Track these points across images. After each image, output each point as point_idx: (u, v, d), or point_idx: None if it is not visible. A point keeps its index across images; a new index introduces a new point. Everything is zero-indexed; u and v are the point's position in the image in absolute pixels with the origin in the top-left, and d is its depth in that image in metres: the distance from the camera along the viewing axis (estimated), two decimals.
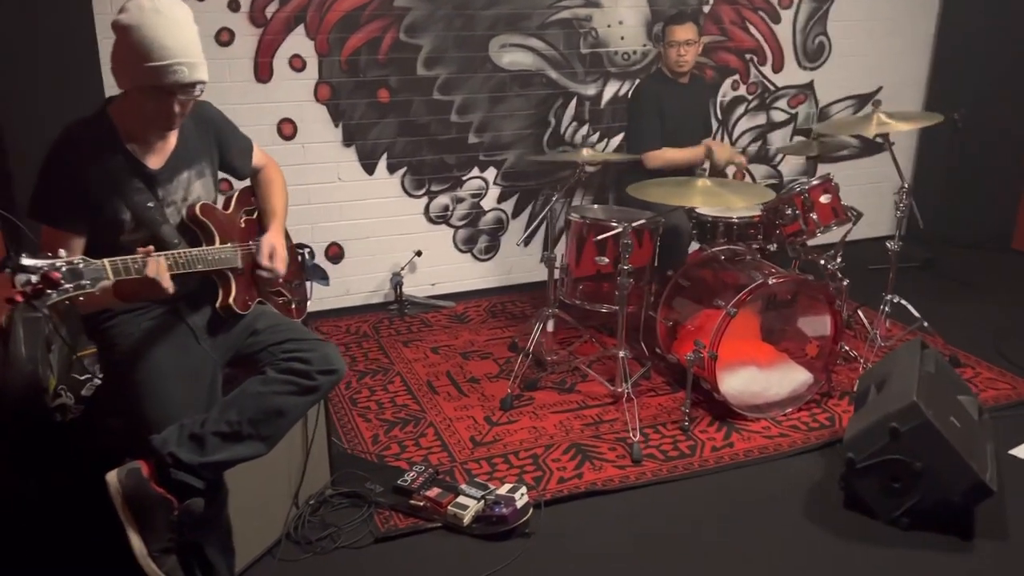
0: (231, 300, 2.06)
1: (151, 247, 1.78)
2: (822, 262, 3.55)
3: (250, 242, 2.21)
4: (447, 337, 4.02)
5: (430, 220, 4.41)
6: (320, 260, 4.23)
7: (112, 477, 1.82)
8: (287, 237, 2.46)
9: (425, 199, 4.37)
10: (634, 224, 3.15)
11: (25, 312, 2.46)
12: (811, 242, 3.58)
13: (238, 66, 3.85)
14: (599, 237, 3.21)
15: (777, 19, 4.80)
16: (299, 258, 2.53)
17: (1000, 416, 3.18)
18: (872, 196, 5.12)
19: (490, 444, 3.07)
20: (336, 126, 4.10)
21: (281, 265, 2.23)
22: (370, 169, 4.23)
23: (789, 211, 3.41)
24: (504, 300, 4.46)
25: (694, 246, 3.84)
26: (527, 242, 4.58)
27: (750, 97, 4.88)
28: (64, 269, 1.60)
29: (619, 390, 3.25)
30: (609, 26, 4.44)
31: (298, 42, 3.93)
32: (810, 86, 5.00)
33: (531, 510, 2.62)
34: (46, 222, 1.90)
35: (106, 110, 1.96)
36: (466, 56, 4.22)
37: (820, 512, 2.69)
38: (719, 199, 3.07)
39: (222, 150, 2.20)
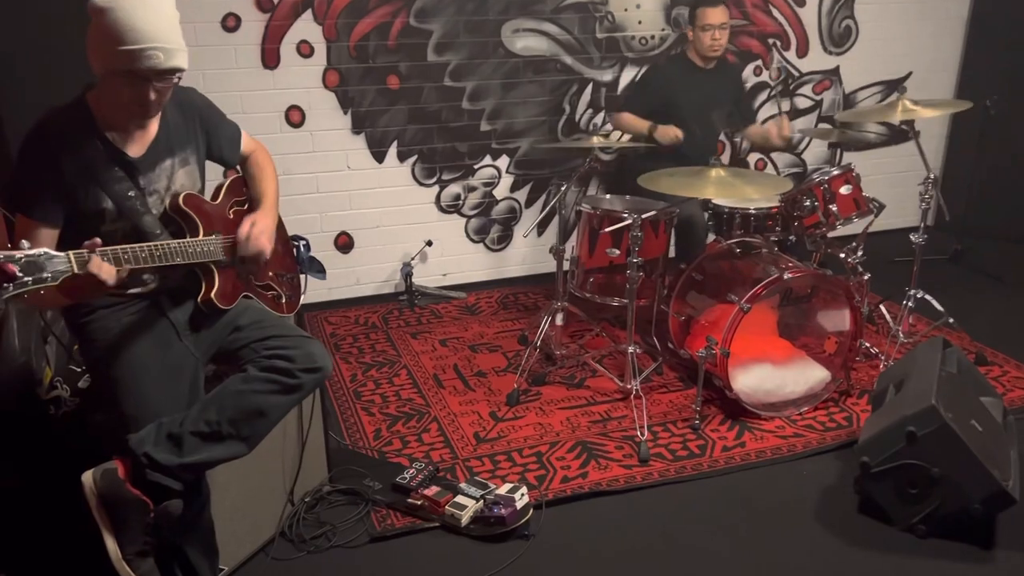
0: (213, 294, 2.00)
1: (97, 240, 1.69)
2: (842, 255, 3.42)
3: (236, 232, 2.13)
4: (456, 329, 3.94)
5: (441, 209, 4.34)
6: (330, 249, 4.19)
7: (87, 477, 1.77)
8: (282, 227, 2.39)
9: (436, 188, 4.30)
10: (645, 215, 3.04)
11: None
12: (832, 234, 3.45)
13: (245, 52, 3.79)
14: (609, 229, 3.11)
15: (802, 2, 4.64)
16: (294, 250, 2.45)
17: None
18: (898, 186, 4.95)
19: (494, 441, 2.99)
20: (345, 113, 4.03)
21: (262, 245, 2.13)
22: (380, 157, 4.15)
23: (808, 202, 3.28)
24: (516, 291, 4.37)
25: (710, 238, 3.72)
26: (539, 232, 4.49)
27: (773, 83, 4.72)
28: (23, 262, 1.54)
29: (628, 387, 3.15)
30: (626, 10, 4.32)
31: (306, 27, 3.86)
32: (836, 71, 4.83)
33: (531, 511, 2.54)
34: (21, 212, 1.84)
35: (84, 97, 1.90)
36: (478, 41, 4.12)
37: (833, 517, 2.58)
38: (734, 190, 2.96)
39: (209, 138, 2.13)
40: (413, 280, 4.25)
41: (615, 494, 2.70)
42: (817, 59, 4.77)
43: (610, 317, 3.89)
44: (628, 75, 4.43)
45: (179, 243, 1.90)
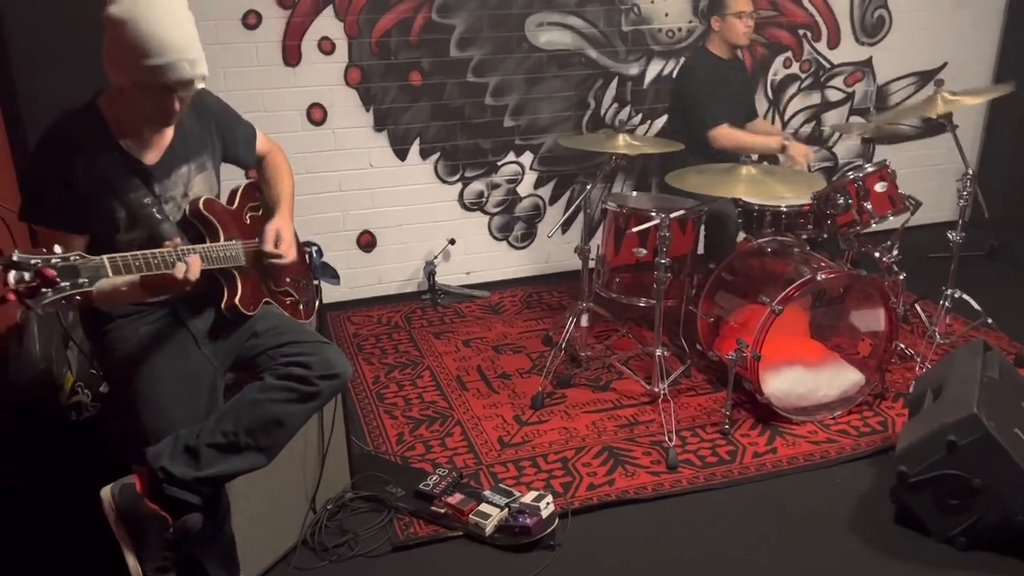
0: (237, 300, 1.95)
1: (177, 239, 1.68)
2: (877, 254, 3.32)
3: (256, 239, 2.09)
4: (480, 329, 3.89)
5: (464, 207, 4.28)
6: (352, 248, 4.15)
7: (106, 493, 1.74)
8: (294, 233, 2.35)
9: (459, 185, 4.24)
10: (673, 215, 2.96)
11: None
12: (866, 232, 3.34)
13: (265, 49, 3.74)
14: (636, 229, 3.03)
15: None
16: (306, 256, 2.41)
17: None
18: (934, 179, 4.81)
19: (518, 446, 2.94)
20: (367, 110, 3.98)
21: (289, 250, 2.11)
22: (402, 155, 4.10)
23: (841, 200, 3.18)
24: (540, 290, 4.31)
25: (741, 236, 3.63)
26: (564, 229, 4.41)
27: (803, 75, 4.61)
28: (59, 266, 1.50)
29: (655, 390, 3.08)
30: (652, 2, 4.22)
31: (327, 24, 3.81)
32: (868, 63, 4.70)
33: (556, 520, 2.49)
34: (40, 225, 1.81)
35: (95, 103, 1.85)
36: (501, 36, 4.05)
37: (868, 527, 2.50)
38: (765, 188, 2.87)
39: (225, 141, 2.09)
40: (436, 279, 4.20)
41: (643, 502, 2.63)
42: (849, 50, 4.64)
43: (637, 317, 3.82)
44: (655, 69, 4.34)
45: (201, 247, 1.86)
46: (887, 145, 4.79)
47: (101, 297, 1.70)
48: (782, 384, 3.03)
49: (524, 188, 4.35)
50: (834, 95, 4.71)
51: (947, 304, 3.39)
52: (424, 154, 4.13)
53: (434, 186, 4.20)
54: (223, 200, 2.11)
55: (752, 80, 4.01)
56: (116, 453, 1.95)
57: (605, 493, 2.67)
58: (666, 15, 4.28)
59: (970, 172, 3.23)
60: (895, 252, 3.31)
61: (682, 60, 4.19)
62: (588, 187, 3.34)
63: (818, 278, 2.93)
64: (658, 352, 3.06)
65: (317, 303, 2.50)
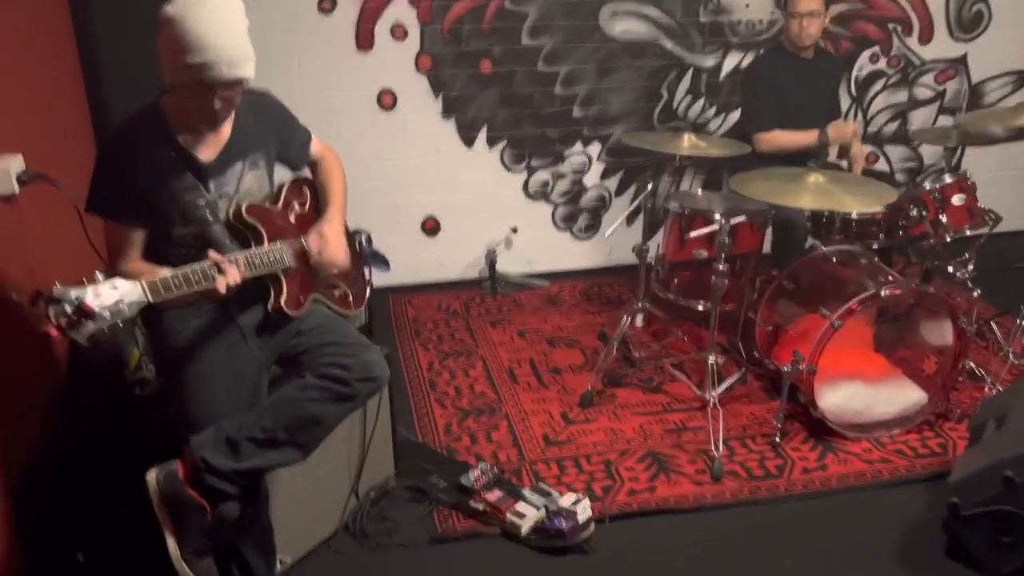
0: (283, 302, 2.01)
1: (213, 252, 1.75)
2: (950, 268, 3.18)
3: (302, 237, 2.14)
4: (536, 320, 3.90)
5: (529, 196, 4.27)
6: (416, 233, 4.20)
7: (151, 477, 1.83)
8: (344, 226, 2.38)
9: (524, 174, 4.23)
10: (733, 221, 2.90)
11: None
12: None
13: (339, 35, 3.80)
14: (695, 234, 2.98)
15: None
16: (357, 246, 2.44)
17: None
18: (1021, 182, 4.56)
19: (563, 444, 2.95)
20: (436, 97, 4.01)
21: (335, 256, 2.16)
22: (469, 142, 4.12)
23: (915, 212, 3.05)
24: (601, 283, 4.28)
25: (809, 241, 3.53)
26: (629, 222, 4.34)
27: (891, 71, 4.41)
28: (100, 296, 1.56)
29: (706, 397, 3.04)
30: None
31: (400, 10, 3.83)
32: (963, 60, 4.47)
33: (592, 525, 2.49)
34: (104, 215, 1.91)
35: (158, 102, 1.93)
36: (574, 24, 4.00)
37: (916, 557, 2.43)
38: (832, 199, 2.80)
39: (281, 144, 2.14)
40: (497, 267, 4.22)
41: (682, 513, 2.62)
42: (942, 46, 4.41)
43: (696, 317, 3.75)
44: (731, 61, 4.22)
45: (244, 255, 1.91)
46: (977, 147, 4.55)
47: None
48: (838, 399, 2.95)
49: (590, 179, 4.31)
50: (923, 93, 4.50)
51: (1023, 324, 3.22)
52: (491, 142, 4.14)
53: (499, 174, 4.20)
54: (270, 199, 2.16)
55: (836, 72, 3.85)
56: (174, 429, 2.04)
57: (645, 500, 2.66)
58: (747, 6, 4.14)
59: None
60: (970, 267, 3.16)
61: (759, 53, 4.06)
62: (649, 187, 3.29)
63: (882, 293, 2.83)
64: (711, 360, 3.01)
65: (368, 291, 2.53)
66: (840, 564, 2.41)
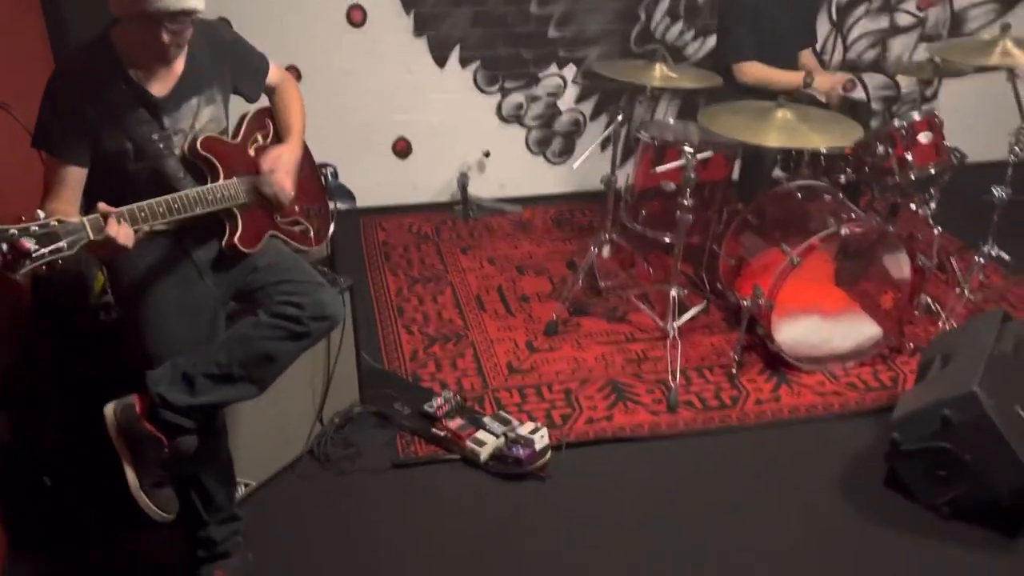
0: (236, 239, 2.01)
1: (105, 206, 1.69)
2: (913, 206, 3.20)
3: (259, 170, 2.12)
4: (506, 246, 3.92)
5: (502, 119, 4.22)
6: (387, 154, 4.16)
7: (109, 410, 1.86)
8: (309, 157, 2.36)
9: (498, 96, 4.18)
10: (700, 156, 2.89)
11: None
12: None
13: None
14: (662, 168, 2.98)
15: None
16: (321, 179, 2.43)
17: None
18: (998, 112, 4.52)
19: (526, 373, 3.02)
20: (408, 14, 3.90)
21: (285, 180, 2.12)
22: (441, 62, 4.04)
23: (881, 149, 3.06)
24: (573, 207, 4.29)
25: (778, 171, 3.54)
26: (603, 147, 4.32)
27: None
28: (38, 234, 1.54)
29: (667, 329, 3.10)
30: None
31: None
32: None
33: (549, 453, 2.58)
34: (47, 150, 1.87)
35: (108, 33, 1.87)
36: None
37: (857, 486, 2.54)
38: (798, 136, 2.79)
39: (235, 74, 2.09)
40: (469, 190, 4.21)
41: (637, 441, 2.71)
42: None
43: (663, 246, 3.78)
44: None
45: (198, 192, 1.90)
46: (954, 79, 4.51)
47: None
48: (795, 332, 3.02)
49: (565, 103, 4.26)
50: (904, 19, 4.43)
51: (981, 261, 3.28)
52: (464, 62, 4.06)
53: (472, 95, 4.15)
54: (230, 128, 2.13)
55: (811, 4, 3.78)
56: (131, 362, 2.07)
57: (602, 429, 2.75)
58: None
59: None
60: (933, 205, 3.19)
61: None
62: (619, 118, 3.26)
63: (842, 232, 2.86)
64: (673, 292, 3.06)
65: (332, 227, 2.53)
66: (784, 492, 2.52)
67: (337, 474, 2.55)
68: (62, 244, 1.59)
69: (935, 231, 3.16)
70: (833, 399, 2.92)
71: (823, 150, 3.23)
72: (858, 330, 3.08)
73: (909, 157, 3.04)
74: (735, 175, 3.41)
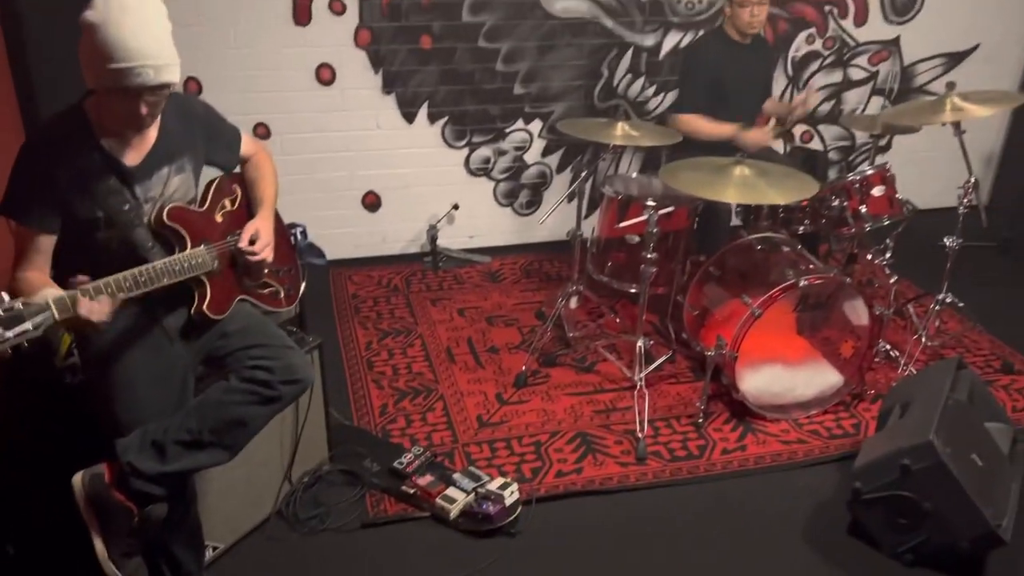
0: (205, 307, 2.03)
1: (86, 277, 1.71)
2: (869, 256, 3.31)
3: (228, 237, 2.15)
4: (476, 298, 3.96)
5: (470, 172, 4.30)
6: (357, 208, 4.21)
7: (77, 480, 1.86)
8: (279, 219, 2.39)
9: (466, 150, 4.25)
10: (662, 212, 2.97)
11: None
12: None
13: (276, 8, 3.74)
14: (625, 224, 3.06)
15: None
16: (290, 240, 2.46)
17: None
18: (948, 161, 4.68)
19: (495, 426, 3.04)
20: (376, 72, 3.98)
21: (266, 250, 2.17)
22: (410, 118, 4.11)
23: (836, 202, 3.17)
24: (541, 258, 4.35)
25: (736, 221, 3.64)
26: (570, 199, 4.41)
27: (826, 53, 4.49)
28: (2, 318, 1.54)
29: (634, 379, 3.14)
30: None
31: None
32: (896, 42, 4.57)
33: (519, 508, 2.60)
34: (16, 219, 1.89)
35: (82, 104, 1.90)
36: (515, 1, 3.99)
37: (822, 534, 2.59)
38: (756, 192, 2.88)
39: (209, 146, 2.13)
40: (438, 242, 4.26)
41: (607, 494, 2.73)
42: (876, 28, 4.51)
43: (630, 295, 3.85)
44: (671, 41, 4.26)
45: (164, 263, 1.91)
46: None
47: None
48: (758, 382, 3.08)
49: (532, 156, 4.35)
50: (857, 73, 4.60)
51: (937, 308, 3.38)
52: (432, 118, 4.14)
53: (441, 150, 4.22)
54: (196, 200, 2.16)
55: (772, 58, 3.93)
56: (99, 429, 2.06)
57: (572, 482, 2.77)
58: None
59: (972, 180, 3.18)
60: (888, 255, 3.30)
61: (698, 34, 4.11)
62: (583, 174, 3.35)
63: (800, 283, 2.94)
64: (639, 343, 3.11)
65: (303, 286, 2.55)
66: (750, 542, 2.56)
67: (306, 534, 2.54)
68: (27, 326, 1.58)
69: (891, 279, 3.26)
70: (798, 447, 2.97)
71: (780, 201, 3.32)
72: (820, 378, 3.15)
73: (863, 209, 3.15)
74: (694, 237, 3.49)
